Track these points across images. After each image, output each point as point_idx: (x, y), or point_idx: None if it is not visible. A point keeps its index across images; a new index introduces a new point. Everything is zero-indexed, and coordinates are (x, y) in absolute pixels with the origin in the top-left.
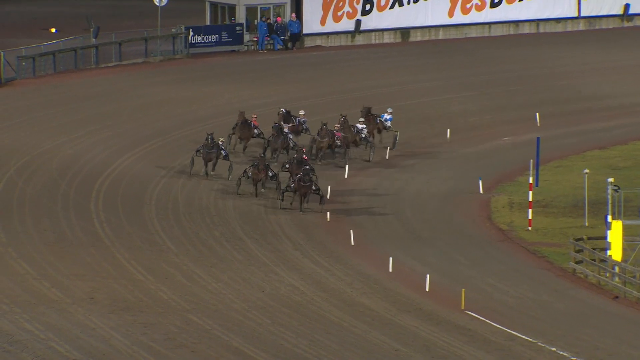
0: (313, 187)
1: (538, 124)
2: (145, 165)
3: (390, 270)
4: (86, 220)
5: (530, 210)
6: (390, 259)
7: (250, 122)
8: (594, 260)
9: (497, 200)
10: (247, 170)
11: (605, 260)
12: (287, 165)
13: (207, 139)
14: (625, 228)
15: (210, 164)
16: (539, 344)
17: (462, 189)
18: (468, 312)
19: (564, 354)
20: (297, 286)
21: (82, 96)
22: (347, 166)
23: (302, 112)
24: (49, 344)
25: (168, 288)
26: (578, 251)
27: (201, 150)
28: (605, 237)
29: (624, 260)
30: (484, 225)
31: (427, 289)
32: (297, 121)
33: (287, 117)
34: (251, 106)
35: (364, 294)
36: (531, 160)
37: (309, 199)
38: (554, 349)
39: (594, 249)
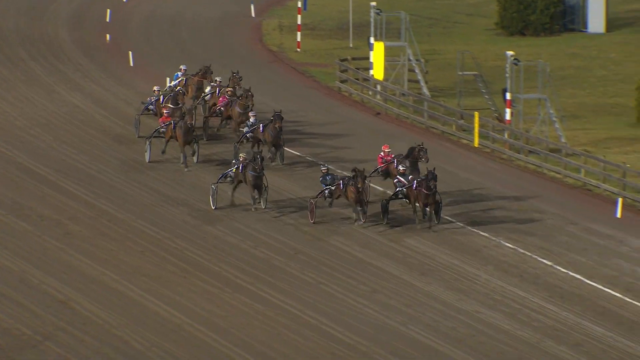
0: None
1: None
2: None
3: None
4: None
5: (299, 33)
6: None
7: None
8: (358, 79)
9: (268, 24)
10: (324, 191)
11: (368, 79)
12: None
13: (255, 157)
14: (387, 49)
15: (253, 192)
16: (307, 158)
17: (235, 13)
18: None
19: (330, 167)
20: (79, 105)
21: None
22: None
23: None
24: None
25: None
26: (343, 71)
27: (233, 173)
28: (368, 58)
29: (386, 79)
30: (256, 47)
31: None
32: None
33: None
34: None
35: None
36: None
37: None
38: (321, 164)
39: (358, 69)
